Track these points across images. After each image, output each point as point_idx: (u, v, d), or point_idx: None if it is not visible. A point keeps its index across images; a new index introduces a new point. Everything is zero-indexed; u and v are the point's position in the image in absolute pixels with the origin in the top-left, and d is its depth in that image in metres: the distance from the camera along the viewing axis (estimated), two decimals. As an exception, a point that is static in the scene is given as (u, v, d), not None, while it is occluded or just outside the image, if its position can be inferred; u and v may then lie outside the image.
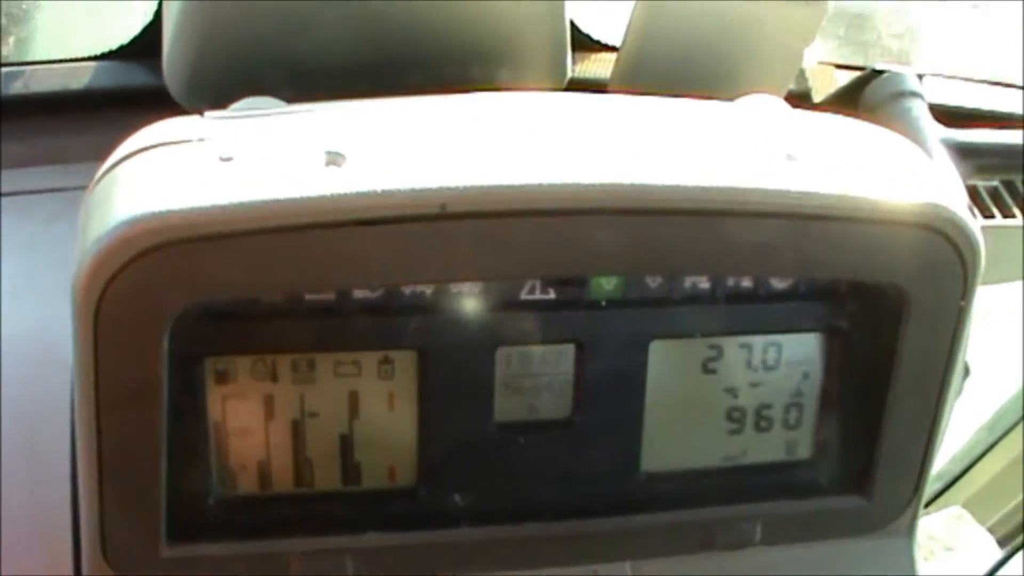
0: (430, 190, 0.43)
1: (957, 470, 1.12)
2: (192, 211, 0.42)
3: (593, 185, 0.44)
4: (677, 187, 0.45)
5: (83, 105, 0.67)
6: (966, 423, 1.10)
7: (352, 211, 0.42)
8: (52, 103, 0.67)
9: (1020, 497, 1.13)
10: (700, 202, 0.46)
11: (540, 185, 0.44)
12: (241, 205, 0.42)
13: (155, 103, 0.60)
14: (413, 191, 0.43)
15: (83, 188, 0.62)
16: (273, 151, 0.45)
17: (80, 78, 0.67)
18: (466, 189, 0.43)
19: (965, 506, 1.11)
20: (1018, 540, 1.01)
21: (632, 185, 0.45)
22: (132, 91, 0.66)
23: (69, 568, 0.53)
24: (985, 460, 1.12)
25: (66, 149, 0.65)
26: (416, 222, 0.43)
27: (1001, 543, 1.11)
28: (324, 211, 0.42)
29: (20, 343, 0.57)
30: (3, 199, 0.63)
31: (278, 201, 0.42)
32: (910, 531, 0.58)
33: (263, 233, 0.42)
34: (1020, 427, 1.10)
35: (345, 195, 0.42)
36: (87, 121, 0.66)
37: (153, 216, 0.42)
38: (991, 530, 1.11)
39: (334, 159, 0.44)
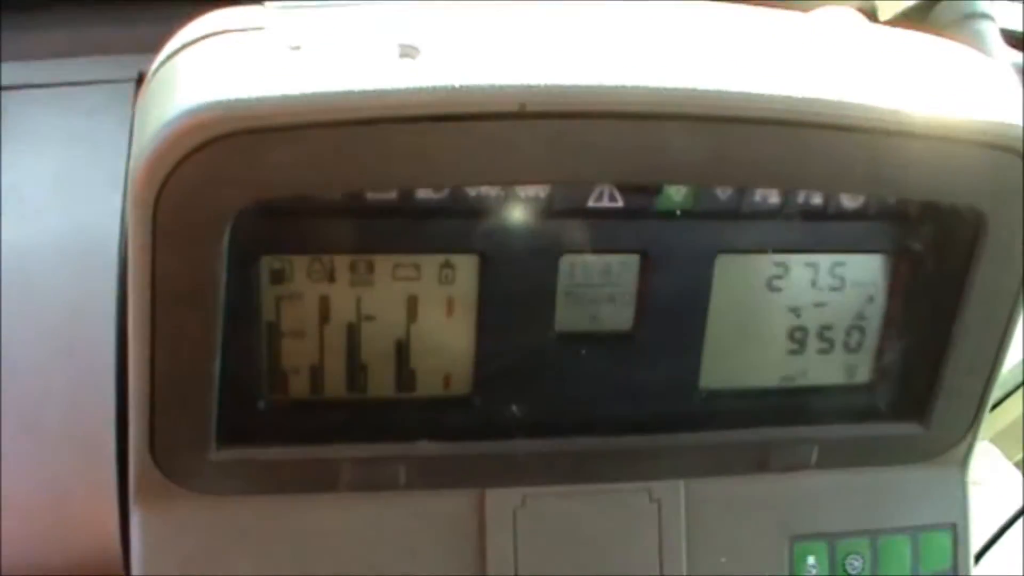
0: (510, 87, 0.41)
1: (989, 404, 1.11)
2: (261, 100, 0.40)
3: (673, 89, 0.43)
4: (757, 95, 0.44)
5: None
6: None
7: (427, 106, 0.41)
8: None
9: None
10: (779, 112, 0.44)
11: (621, 87, 0.42)
12: (312, 96, 0.40)
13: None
14: (492, 88, 0.41)
15: (127, 80, 0.61)
16: (344, 42, 0.43)
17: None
18: (546, 88, 0.41)
19: (993, 441, 1.10)
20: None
21: (712, 91, 0.43)
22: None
23: (111, 470, 0.52)
24: (1015, 396, 1.11)
25: (110, 40, 0.63)
26: (493, 120, 0.41)
27: (1030, 478, 1.10)
28: (398, 105, 0.41)
29: (62, 239, 0.56)
30: (43, 90, 0.62)
31: (350, 93, 0.40)
32: (965, 462, 0.57)
33: (334, 126, 0.41)
34: (1052, 365, 1.09)
35: (420, 89, 0.41)
36: (132, 11, 0.64)
37: (219, 104, 0.40)
38: (1018, 466, 1.11)
39: (408, 52, 0.42)
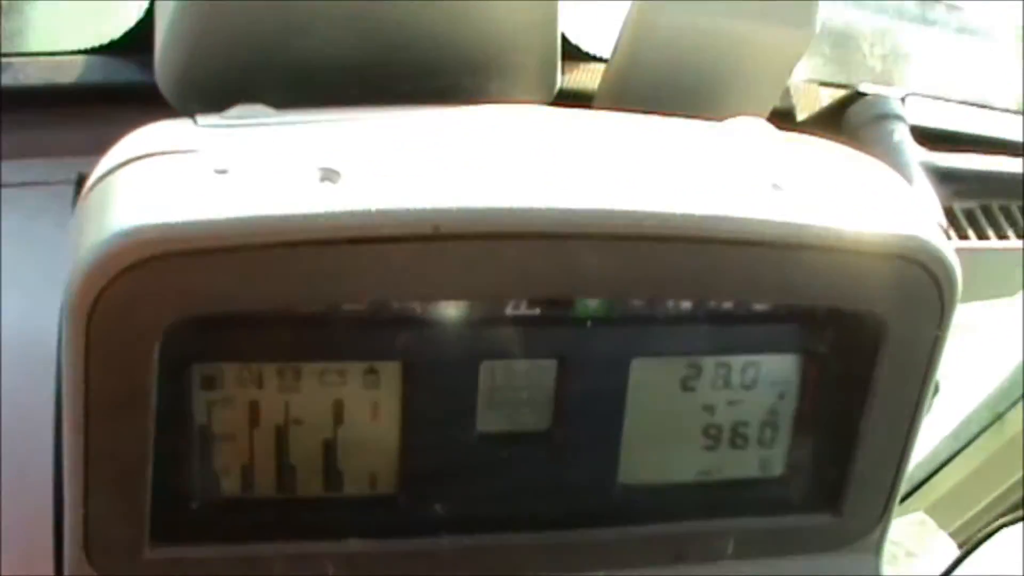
0: (424, 211, 0.43)
1: (921, 476, 1.14)
2: (188, 225, 0.42)
3: (581, 211, 0.45)
4: (665, 214, 0.46)
5: (72, 99, 0.67)
6: (931, 431, 1.11)
7: (346, 229, 0.43)
8: (40, 96, 0.66)
9: (981, 504, 1.15)
10: (688, 229, 0.46)
11: (532, 209, 0.44)
12: (237, 220, 0.42)
13: (145, 99, 0.60)
14: (407, 212, 0.43)
15: (67, 183, 0.62)
16: (268, 165, 0.45)
17: (70, 72, 0.67)
18: (459, 211, 0.44)
19: (928, 512, 1.13)
20: (977, 537, 1.03)
21: (619, 212, 0.46)
22: (123, 87, 0.66)
23: (50, 568, 0.53)
24: (949, 467, 1.14)
25: (54, 143, 0.65)
26: (409, 242, 0.44)
27: (962, 548, 1.12)
28: (319, 228, 0.43)
29: (18, 338, 0.57)
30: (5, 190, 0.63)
31: (274, 217, 0.43)
32: (878, 548, 0.59)
33: (258, 248, 0.43)
34: (984, 436, 1.12)
35: (340, 213, 0.43)
36: (76, 116, 0.66)
37: (149, 228, 0.42)
38: (953, 536, 1.13)
39: (329, 175, 0.44)
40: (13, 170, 0.63)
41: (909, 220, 0.50)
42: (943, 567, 1.07)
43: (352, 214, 0.43)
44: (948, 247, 0.50)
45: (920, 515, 1.11)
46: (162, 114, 0.52)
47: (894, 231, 0.49)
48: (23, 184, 0.63)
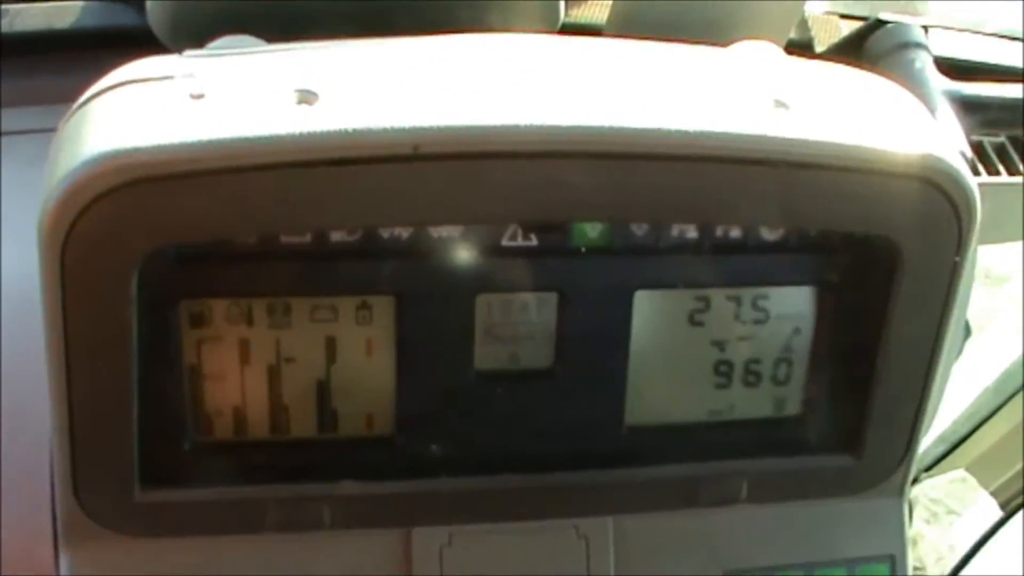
0: (402, 130, 0.42)
1: (961, 433, 1.11)
2: (158, 149, 0.41)
3: (571, 127, 0.43)
4: (657, 131, 0.44)
5: (67, 45, 0.66)
6: (971, 386, 1.08)
7: (323, 150, 0.41)
8: (35, 43, 0.65)
9: (1023, 461, 1.12)
10: (681, 147, 0.44)
11: (516, 127, 0.42)
12: (208, 143, 0.41)
13: (141, 44, 0.59)
14: (384, 131, 0.41)
15: None
16: (245, 89, 0.43)
17: (65, 18, 0.66)
18: (439, 129, 0.42)
19: (968, 469, 1.10)
20: (1018, 501, 1.00)
21: (611, 128, 0.43)
22: (117, 31, 0.65)
23: (46, 514, 0.53)
24: (989, 424, 1.11)
25: (49, 90, 0.64)
26: (388, 163, 0.42)
27: (1004, 507, 1.10)
28: (293, 150, 0.41)
29: (21, 286, 0.56)
30: (5, 138, 0.62)
31: (245, 139, 0.41)
32: (901, 491, 0.57)
33: (231, 172, 0.41)
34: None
35: (314, 134, 0.41)
36: (71, 62, 0.65)
37: (118, 154, 0.41)
38: (994, 494, 1.10)
39: (306, 97, 0.43)
40: (12, 117, 0.63)
41: (924, 139, 0.48)
42: (984, 526, 1.04)
43: (327, 134, 0.41)
44: (966, 168, 0.48)
45: (961, 472, 1.08)
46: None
47: (908, 150, 0.47)
48: (22, 132, 0.62)
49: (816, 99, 0.48)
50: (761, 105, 0.46)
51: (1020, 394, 1.07)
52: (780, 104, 0.47)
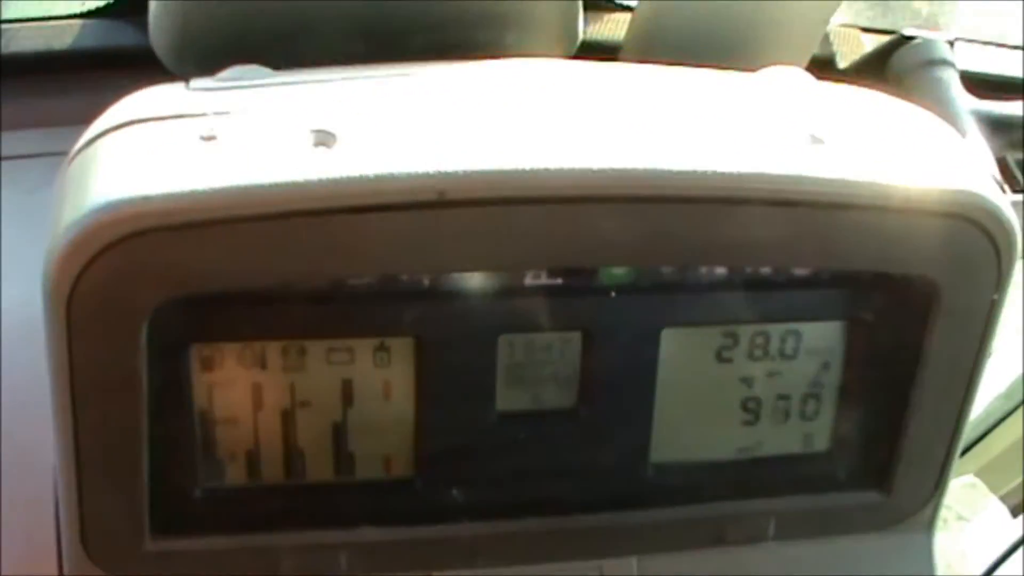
0: (427, 175, 0.40)
1: (971, 438, 1.09)
2: (169, 197, 0.39)
3: (601, 171, 0.41)
4: (692, 173, 0.42)
5: (68, 66, 0.64)
6: (982, 391, 1.07)
7: (342, 197, 0.39)
8: (35, 64, 0.63)
9: (1035, 467, 1.11)
10: (717, 190, 0.42)
11: (545, 171, 0.41)
12: (221, 191, 0.39)
13: (142, 64, 0.57)
14: (408, 176, 0.40)
15: (66, 153, 0.60)
16: (258, 130, 0.42)
17: (64, 38, 0.64)
18: (466, 175, 0.40)
19: (978, 475, 1.09)
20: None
21: (644, 171, 0.42)
22: (119, 51, 0.63)
23: (51, 559, 0.51)
24: (1000, 429, 1.09)
25: (50, 112, 0.62)
26: (412, 210, 0.40)
27: (1014, 512, 1.08)
28: (311, 197, 0.39)
29: (21, 313, 0.55)
30: (5, 163, 0.60)
31: (262, 187, 0.39)
32: (930, 527, 0.56)
33: (245, 221, 0.39)
34: (1036, 397, 1.08)
35: (334, 180, 0.39)
36: (72, 82, 0.63)
37: (127, 202, 0.39)
38: (1004, 499, 1.09)
39: (323, 139, 0.41)
40: (11, 142, 0.61)
41: (962, 174, 0.46)
42: (995, 532, 1.03)
43: (348, 180, 0.39)
44: (1005, 203, 0.46)
45: (971, 478, 1.07)
46: (160, 79, 0.49)
47: (946, 187, 0.45)
48: (21, 156, 0.60)
49: (850, 132, 0.47)
50: (796, 141, 0.45)
51: (1032, 399, 1.06)
52: (815, 140, 0.45)
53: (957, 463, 0.55)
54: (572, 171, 0.41)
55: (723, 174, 0.42)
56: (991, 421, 1.08)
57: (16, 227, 0.58)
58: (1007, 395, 1.08)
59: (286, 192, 0.39)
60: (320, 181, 0.39)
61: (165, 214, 0.39)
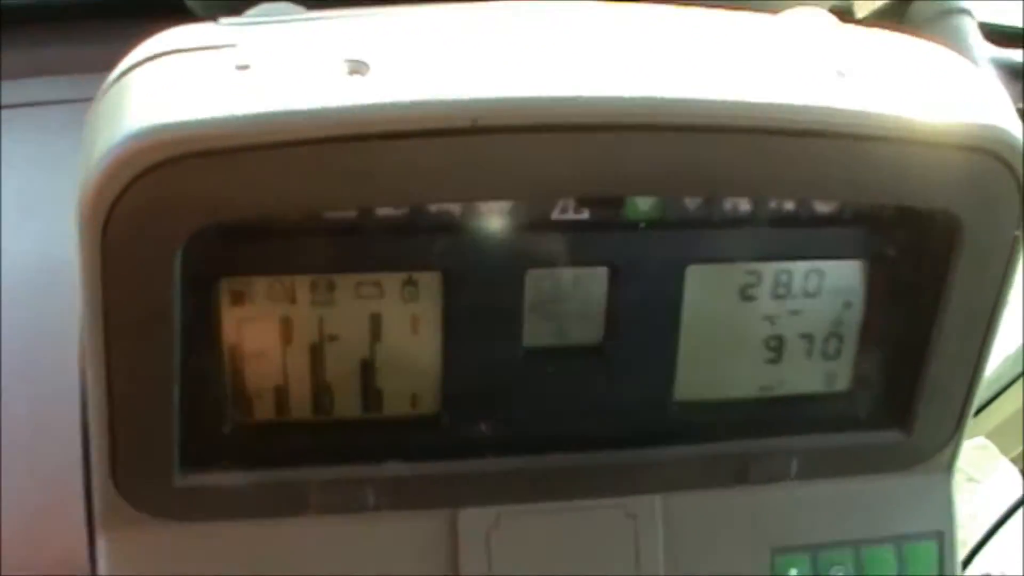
0: (461, 102, 0.40)
1: (982, 400, 1.10)
2: (206, 122, 0.39)
3: (631, 99, 0.42)
4: (721, 102, 0.43)
5: (92, 14, 0.64)
6: (992, 353, 1.07)
7: (377, 123, 0.40)
8: (58, 11, 0.64)
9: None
10: (745, 119, 0.43)
11: (577, 98, 0.41)
12: (257, 116, 0.39)
13: (168, 12, 0.58)
14: (443, 103, 0.40)
15: (89, 100, 0.60)
16: (292, 59, 0.42)
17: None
18: (500, 101, 0.40)
19: (990, 437, 1.09)
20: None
21: (674, 100, 0.42)
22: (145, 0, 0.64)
23: (77, 496, 0.51)
24: (1011, 391, 1.10)
25: (74, 59, 0.62)
26: (445, 136, 0.40)
27: (1024, 474, 1.09)
28: (347, 123, 0.40)
29: (24, 261, 0.55)
30: (6, 111, 0.61)
31: (298, 112, 0.39)
32: (949, 467, 0.56)
33: (281, 146, 0.40)
34: (1049, 359, 1.08)
35: (369, 106, 0.40)
36: (96, 30, 0.63)
37: (164, 128, 0.39)
38: (1014, 461, 1.09)
39: (357, 68, 0.41)
40: (32, 88, 0.61)
41: (986, 110, 0.46)
42: (1005, 493, 1.03)
43: (383, 106, 0.40)
44: None
45: (981, 440, 1.08)
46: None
47: (969, 121, 0.45)
48: (47, 103, 0.61)
49: (875, 69, 0.47)
50: (820, 75, 0.45)
51: (1045, 361, 1.06)
52: (840, 74, 0.45)
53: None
54: (604, 99, 0.41)
55: (748, 104, 0.43)
56: (1002, 383, 1.09)
57: (27, 173, 0.58)
58: (1016, 358, 1.08)
59: (321, 117, 0.39)
60: (355, 107, 0.39)
61: (202, 139, 0.39)
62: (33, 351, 0.54)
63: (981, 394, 0.99)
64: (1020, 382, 1.11)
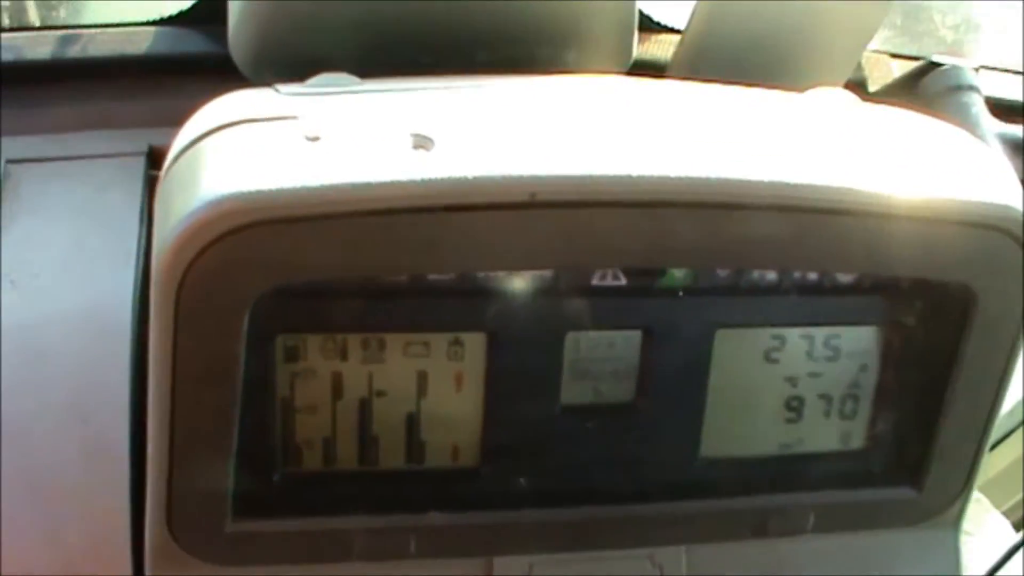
0: (521, 178, 0.43)
1: (975, 454, 1.12)
2: (280, 192, 0.42)
3: (677, 178, 0.44)
4: (755, 182, 0.46)
5: (140, 71, 0.66)
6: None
7: (441, 196, 0.42)
8: (109, 68, 0.66)
9: (1037, 483, 1.14)
10: (777, 198, 0.46)
11: (627, 177, 0.44)
12: (329, 187, 0.42)
13: (214, 71, 0.60)
14: (503, 179, 0.43)
15: (137, 154, 0.62)
16: (359, 132, 0.45)
17: (139, 43, 0.66)
18: (556, 179, 0.43)
19: (982, 490, 1.11)
20: (1033, 525, 1.02)
21: (713, 179, 0.45)
22: (190, 58, 0.66)
23: (124, 540, 0.53)
24: (1004, 445, 1.12)
25: (121, 114, 0.64)
26: (504, 209, 0.43)
27: (1017, 527, 1.11)
28: (413, 196, 0.42)
29: (73, 312, 0.57)
30: (53, 164, 0.62)
31: (367, 184, 0.42)
32: (957, 523, 0.59)
33: (350, 216, 0.42)
34: (1040, 413, 1.10)
35: (435, 180, 0.42)
36: (144, 87, 0.66)
37: (241, 196, 0.42)
38: (1007, 514, 1.11)
39: (422, 142, 0.44)
40: (81, 142, 0.63)
41: (996, 188, 0.49)
42: (997, 546, 1.05)
43: (448, 181, 0.42)
44: None
45: (975, 493, 1.10)
46: (231, 86, 0.51)
47: (982, 200, 0.48)
48: (92, 156, 0.63)
49: (894, 148, 0.50)
50: (844, 156, 0.48)
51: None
52: (862, 155, 0.48)
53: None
54: (650, 178, 0.44)
55: (782, 184, 0.46)
56: (995, 437, 1.10)
57: (88, 223, 0.60)
58: (1011, 412, 1.11)
59: (389, 190, 0.42)
60: (421, 181, 0.42)
61: (275, 208, 0.42)
62: (83, 397, 0.55)
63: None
64: (1017, 432, 1.13)
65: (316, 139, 0.44)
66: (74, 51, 0.65)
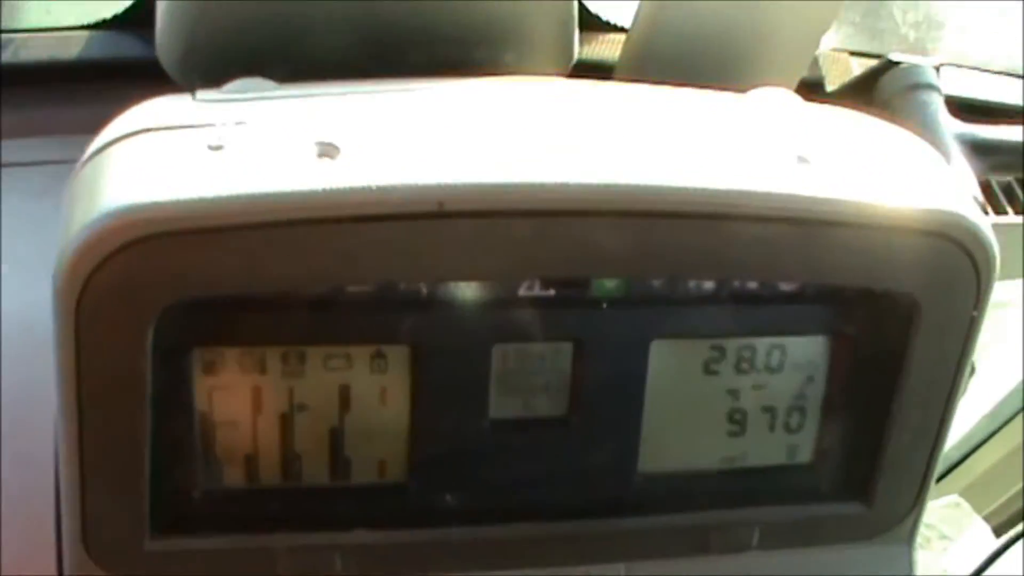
0: (427, 187, 0.41)
1: (955, 458, 1.11)
2: (179, 203, 0.40)
3: (595, 186, 0.43)
4: (681, 189, 0.44)
5: (73, 76, 0.65)
6: (966, 410, 1.08)
7: (346, 207, 0.41)
8: (40, 73, 0.65)
9: (1018, 486, 1.12)
10: (705, 205, 0.44)
11: (541, 185, 0.42)
12: (229, 198, 0.40)
13: (147, 75, 0.59)
14: (409, 188, 0.41)
15: (72, 161, 0.61)
16: (264, 141, 0.43)
17: (71, 48, 0.65)
18: (465, 187, 0.41)
19: (963, 495, 1.10)
20: (1017, 530, 1.00)
21: (635, 186, 0.43)
22: (124, 62, 0.65)
23: (53, 561, 0.52)
24: (984, 449, 1.11)
25: (55, 121, 0.63)
26: (412, 220, 0.41)
27: (997, 532, 1.10)
28: (316, 206, 0.41)
29: (6, 321, 0.56)
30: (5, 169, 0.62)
31: (268, 195, 0.41)
32: (910, 538, 0.57)
33: (252, 228, 0.41)
34: (1020, 417, 1.09)
35: (338, 190, 0.41)
36: (77, 92, 0.64)
37: (138, 207, 0.40)
38: (987, 519, 1.10)
39: (327, 151, 0.42)
40: (13, 149, 0.62)
41: (944, 195, 0.48)
42: (978, 551, 1.04)
43: (351, 191, 0.41)
44: (985, 224, 0.48)
45: (955, 498, 1.08)
46: (166, 90, 0.50)
47: (928, 207, 0.47)
48: (24, 164, 0.61)
49: (836, 153, 0.48)
50: (783, 161, 0.46)
51: (1018, 418, 1.07)
52: (802, 160, 0.46)
53: (934, 486, 0.56)
54: (567, 186, 0.42)
55: (712, 191, 0.44)
56: (975, 441, 1.09)
57: (18, 233, 0.59)
58: (990, 416, 1.09)
59: (291, 201, 0.41)
60: (324, 191, 0.41)
61: (175, 219, 0.40)
62: (14, 412, 0.55)
63: (953, 454, 1.00)
64: (997, 436, 1.12)
65: (219, 148, 0.42)
66: (4, 56, 0.64)
